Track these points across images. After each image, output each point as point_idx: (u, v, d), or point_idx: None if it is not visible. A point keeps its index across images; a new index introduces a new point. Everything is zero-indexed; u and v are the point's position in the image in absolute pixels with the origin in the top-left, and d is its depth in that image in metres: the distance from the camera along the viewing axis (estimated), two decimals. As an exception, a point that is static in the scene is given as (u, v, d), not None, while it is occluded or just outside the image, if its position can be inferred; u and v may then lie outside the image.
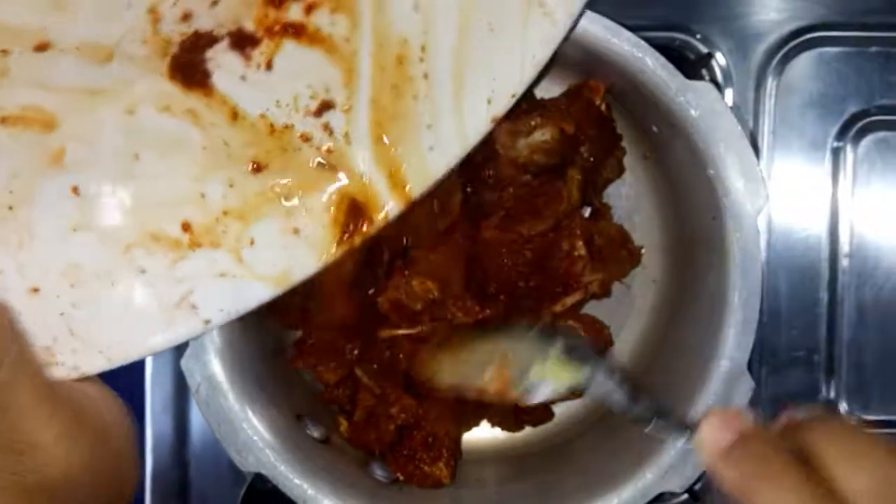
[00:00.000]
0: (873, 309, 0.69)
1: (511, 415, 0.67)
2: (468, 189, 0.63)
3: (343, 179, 0.48)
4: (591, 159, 0.62)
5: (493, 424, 0.68)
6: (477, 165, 0.62)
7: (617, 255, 0.63)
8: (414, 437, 0.61)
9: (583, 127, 0.62)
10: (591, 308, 0.68)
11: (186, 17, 0.47)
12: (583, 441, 0.67)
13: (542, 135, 0.61)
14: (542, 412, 0.67)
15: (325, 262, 0.48)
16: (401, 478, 0.62)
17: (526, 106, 0.63)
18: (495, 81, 0.49)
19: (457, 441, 0.64)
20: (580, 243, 0.62)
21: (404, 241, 0.61)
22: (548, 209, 0.60)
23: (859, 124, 0.68)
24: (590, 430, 0.67)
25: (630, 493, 0.57)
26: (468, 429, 0.66)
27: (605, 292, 0.65)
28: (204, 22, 0.47)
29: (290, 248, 0.48)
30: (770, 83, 0.68)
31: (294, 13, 0.47)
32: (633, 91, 0.60)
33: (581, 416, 0.69)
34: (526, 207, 0.60)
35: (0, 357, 0.41)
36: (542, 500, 0.60)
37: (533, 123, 0.60)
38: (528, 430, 0.68)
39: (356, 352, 0.62)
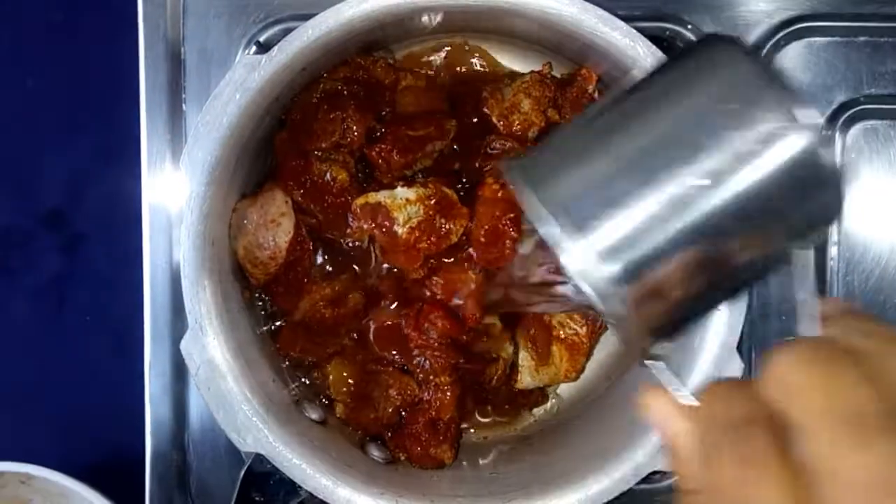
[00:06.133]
0: (861, 295, 0.70)
1: (507, 400, 0.68)
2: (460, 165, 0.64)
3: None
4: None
5: (493, 408, 0.69)
6: (474, 138, 0.64)
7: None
8: (419, 419, 0.62)
9: (576, 114, 0.63)
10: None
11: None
12: (577, 423, 0.68)
13: (528, 105, 0.63)
14: (537, 395, 0.68)
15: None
16: (402, 457, 0.63)
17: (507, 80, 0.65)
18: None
19: (459, 424, 0.65)
20: None
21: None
22: None
23: (848, 113, 0.69)
24: (584, 412, 0.68)
25: (621, 473, 0.58)
26: (469, 414, 0.67)
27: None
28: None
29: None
30: (760, 73, 0.69)
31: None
32: (624, 79, 0.61)
33: (575, 400, 0.70)
34: None
35: None
36: (537, 480, 0.61)
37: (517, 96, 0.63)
38: (524, 413, 0.69)
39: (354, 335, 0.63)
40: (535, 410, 0.69)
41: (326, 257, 0.64)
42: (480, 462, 0.66)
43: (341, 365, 0.64)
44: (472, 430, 0.69)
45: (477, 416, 0.69)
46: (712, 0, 0.68)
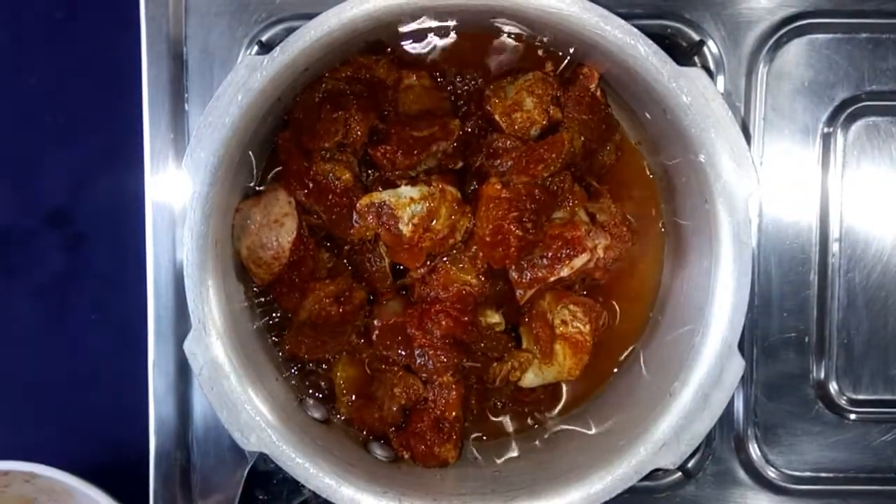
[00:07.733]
0: (862, 292, 0.70)
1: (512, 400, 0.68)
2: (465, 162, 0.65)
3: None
4: (588, 142, 0.64)
5: (497, 409, 0.69)
6: (477, 137, 0.64)
7: (619, 231, 0.65)
8: (423, 418, 0.63)
9: (578, 113, 0.63)
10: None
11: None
12: (579, 422, 0.68)
13: (530, 103, 0.63)
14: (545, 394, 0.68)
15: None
16: (406, 456, 0.64)
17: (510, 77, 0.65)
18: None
19: (463, 423, 0.65)
20: (581, 211, 0.63)
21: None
22: (551, 153, 0.61)
23: (849, 110, 0.69)
24: (585, 411, 0.68)
25: (623, 471, 0.58)
26: (473, 413, 0.67)
27: (605, 272, 0.66)
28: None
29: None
30: (761, 70, 0.69)
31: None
32: (626, 78, 0.61)
33: (578, 398, 0.70)
34: (529, 159, 0.61)
35: None
36: (540, 478, 0.61)
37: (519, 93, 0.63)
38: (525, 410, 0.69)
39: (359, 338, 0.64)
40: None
41: (330, 256, 0.65)
42: (484, 460, 0.66)
43: (347, 364, 0.64)
44: (474, 430, 0.69)
45: (485, 414, 0.69)
46: (713, -2, 0.68)
